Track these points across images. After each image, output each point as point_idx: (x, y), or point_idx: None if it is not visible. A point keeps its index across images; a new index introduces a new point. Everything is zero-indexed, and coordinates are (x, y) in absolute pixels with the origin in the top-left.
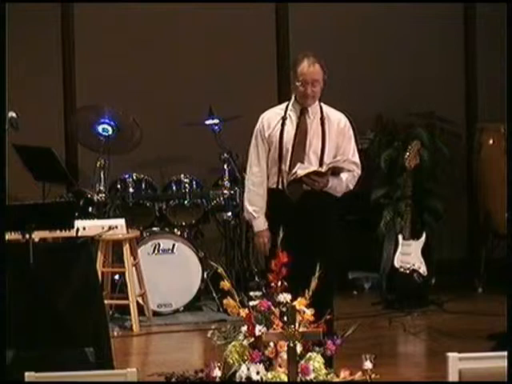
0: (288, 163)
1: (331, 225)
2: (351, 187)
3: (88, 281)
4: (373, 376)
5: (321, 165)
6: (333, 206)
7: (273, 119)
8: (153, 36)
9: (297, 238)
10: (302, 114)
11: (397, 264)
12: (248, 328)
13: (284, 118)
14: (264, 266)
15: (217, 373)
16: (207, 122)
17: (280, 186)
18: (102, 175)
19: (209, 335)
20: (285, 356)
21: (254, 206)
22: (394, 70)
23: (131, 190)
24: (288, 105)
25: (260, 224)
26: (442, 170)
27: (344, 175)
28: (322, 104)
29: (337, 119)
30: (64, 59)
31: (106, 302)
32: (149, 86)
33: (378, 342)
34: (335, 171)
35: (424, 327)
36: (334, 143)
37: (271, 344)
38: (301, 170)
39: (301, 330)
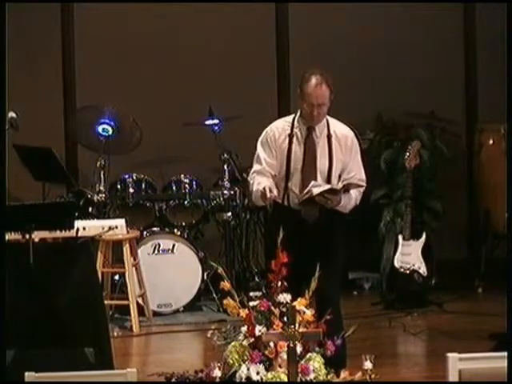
0: (298, 184)
1: (337, 242)
2: (358, 203)
3: (88, 281)
4: (373, 376)
5: (328, 183)
6: (341, 223)
7: (279, 135)
8: (153, 36)
9: (300, 251)
10: (309, 132)
11: (397, 264)
12: (248, 328)
13: (290, 136)
14: (264, 265)
15: (217, 373)
16: (207, 122)
17: (286, 203)
18: (102, 175)
19: (209, 335)
20: (285, 356)
21: (263, 184)
22: (394, 69)
23: (131, 190)
24: (294, 120)
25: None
26: (442, 170)
27: (353, 192)
28: (328, 117)
29: (343, 137)
30: (64, 59)
31: (106, 302)
32: (149, 85)
33: (378, 342)
34: (346, 188)
35: (424, 327)
36: (341, 162)
37: (271, 344)
38: (315, 189)
39: (301, 330)
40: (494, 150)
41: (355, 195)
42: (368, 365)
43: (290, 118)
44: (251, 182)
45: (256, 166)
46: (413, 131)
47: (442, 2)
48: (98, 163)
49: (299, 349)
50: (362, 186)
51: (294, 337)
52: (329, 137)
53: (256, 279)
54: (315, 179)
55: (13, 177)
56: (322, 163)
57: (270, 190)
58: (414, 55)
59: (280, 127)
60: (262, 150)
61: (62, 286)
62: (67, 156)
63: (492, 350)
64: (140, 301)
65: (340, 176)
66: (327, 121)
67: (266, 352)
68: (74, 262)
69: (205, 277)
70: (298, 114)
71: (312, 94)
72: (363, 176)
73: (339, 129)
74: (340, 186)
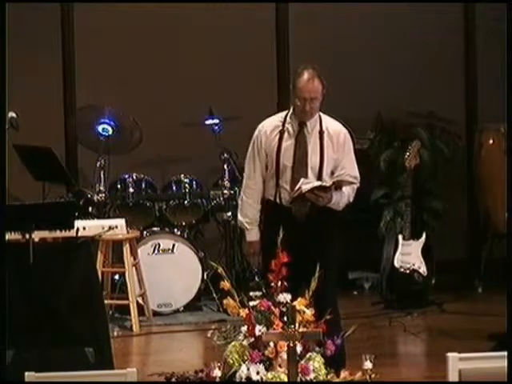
0: (289, 180)
1: (332, 239)
2: (351, 200)
3: (88, 281)
4: (373, 376)
5: (320, 180)
6: (334, 220)
7: (271, 131)
8: (153, 36)
9: (295, 249)
10: (301, 128)
11: (397, 264)
12: (248, 328)
13: (282, 132)
14: (264, 266)
15: (217, 373)
16: (207, 122)
17: (278, 200)
18: (101, 175)
19: (209, 335)
20: (285, 356)
21: (247, 218)
22: (393, 69)
23: (131, 189)
24: (286, 116)
25: (252, 235)
26: (442, 170)
27: (346, 189)
28: (321, 114)
29: (336, 134)
30: (64, 59)
31: (106, 301)
32: (149, 85)
33: (377, 342)
34: (337, 185)
35: (424, 327)
36: (332, 159)
37: (271, 344)
38: (305, 186)
39: (301, 330)
40: (494, 150)
41: (348, 192)
42: (368, 365)
43: (283, 114)
44: (240, 202)
45: (245, 181)
46: (413, 131)
47: (442, 2)
48: (98, 163)
49: (299, 349)
50: (355, 184)
51: (294, 337)
52: (321, 133)
53: (256, 279)
54: (306, 176)
55: (13, 177)
56: (313, 160)
57: (254, 251)
58: (414, 55)
59: (272, 124)
60: (252, 160)
61: (61, 285)
62: (67, 156)
63: (492, 349)
64: (140, 300)
65: (332, 173)
66: (320, 117)
67: (266, 352)
68: (73, 262)
69: (205, 277)
70: (291, 110)
71: (304, 88)
72: (356, 173)
73: (332, 125)
74: (330, 182)
